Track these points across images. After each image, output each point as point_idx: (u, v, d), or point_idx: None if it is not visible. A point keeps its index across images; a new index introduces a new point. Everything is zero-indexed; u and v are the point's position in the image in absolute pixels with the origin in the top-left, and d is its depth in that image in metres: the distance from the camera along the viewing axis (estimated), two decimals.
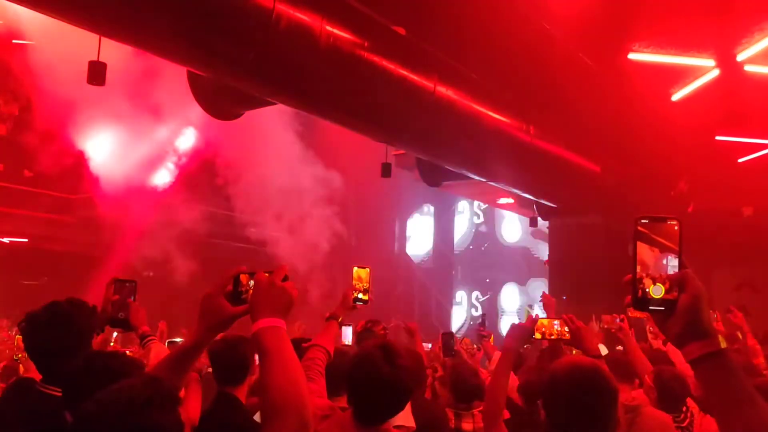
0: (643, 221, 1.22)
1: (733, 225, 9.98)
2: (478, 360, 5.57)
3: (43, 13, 4.03)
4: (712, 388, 1.17)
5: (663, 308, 1.21)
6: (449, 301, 19.45)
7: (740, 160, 8.94)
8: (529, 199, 9.75)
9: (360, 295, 3.01)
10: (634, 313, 3.86)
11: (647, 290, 1.21)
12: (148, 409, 1.34)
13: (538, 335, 2.88)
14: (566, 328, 2.82)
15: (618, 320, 3.84)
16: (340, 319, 2.87)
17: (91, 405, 1.36)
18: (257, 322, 1.49)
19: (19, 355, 4.58)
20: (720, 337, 1.18)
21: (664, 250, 1.22)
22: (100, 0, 3.92)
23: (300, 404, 1.43)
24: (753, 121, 8.05)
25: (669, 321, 1.21)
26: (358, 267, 3.07)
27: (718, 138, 8.51)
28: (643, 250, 1.22)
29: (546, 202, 9.72)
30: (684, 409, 3.61)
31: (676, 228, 1.22)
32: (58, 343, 2.33)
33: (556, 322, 2.89)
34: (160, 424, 1.36)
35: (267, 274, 1.57)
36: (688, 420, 3.60)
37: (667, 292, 1.21)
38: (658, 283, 1.21)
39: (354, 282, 3.04)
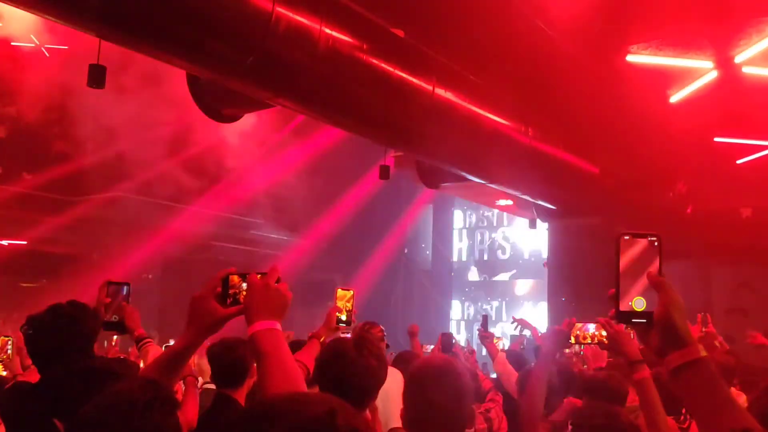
0: (625, 237, 1.28)
1: (732, 226, 9.98)
2: (473, 362, 5.58)
3: (39, 15, 4.03)
4: (692, 395, 1.20)
5: (645, 320, 1.25)
6: (448, 303, 19.45)
7: (739, 162, 8.95)
8: (528, 200, 9.75)
9: (343, 317, 3.00)
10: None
11: (630, 303, 1.26)
12: (149, 412, 1.35)
13: (573, 340, 2.84)
14: (603, 332, 2.74)
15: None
16: (322, 339, 2.88)
17: (90, 409, 1.35)
18: (253, 325, 1.48)
19: (3, 357, 4.50)
20: (700, 346, 1.20)
21: (646, 264, 1.27)
22: (99, 2, 3.91)
23: None
24: (751, 122, 8.05)
25: (650, 333, 1.25)
26: (342, 288, 3.08)
27: (716, 139, 8.52)
28: (626, 265, 1.27)
29: (545, 204, 9.72)
30: (684, 411, 3.60)
31: (656, 244, 1.28)
32: (63, 346, 2.33)
33: (592, 325, 2.83)
34: (161, 426, 1.36)
35: (260, 276, 1.56)
36: (688, 422, 3.59)
37: (648, 304, 1.25)
38: (639, 297, 1.26)
39: (338, 302, 3.03)
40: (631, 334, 2.65)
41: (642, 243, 1.27)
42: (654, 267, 1.26)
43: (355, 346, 2.17)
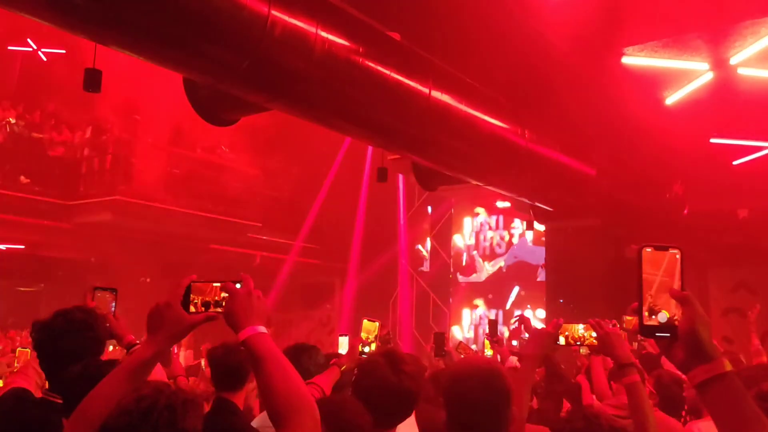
0: (647, 249, 1.28)
1: (729, 227, 10.02)
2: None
3: (34, 19, 4.02)
4: (719, 411, 1.18)
5: (668, 334, 1.25)
6: (447, 304, 19.43)
7: (735, 163, 8.98)
8: (525, 202, 9.76)
9: (367, 348, 3.03)
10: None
11: (653, 317, 1.26)
12: (186, 414, 1.39)
13: (562, 340, 2.74)
14: (593, 334, 2.65)
15: (610, 326, 3.83)
16: (343, 368, 2.93)
17: (124, 413, 1.36)
18: (245, 330, 1.52)
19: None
20: (725, 360, 1.19)
21: (667, 277, 1.26)
22: (94, 6, 3.91)
23: (310, 402, 1.49)
24: (747, 123, 8.08)
25: (673, 347, 1.24)
26: (368, 320, 3.10)
27: (712, 141, 8.55)
28: (648, 278, 1.27)
29: (542, 206, 9.73)
30: (683, 413, 3.62)
31: (677, 256, 1.27)
32: (79, 351, 2.34)
33: (581, 326, 2.74)
34: (196, 428, 1.41)
35: (238, 285, 1.59)
36: (688, 424, 3.61)
37: (671, 318, 1.25)
38: (663, 310, 1.25)
39: (362, 334, 3.06)
40: (623, 336, 2.62)
41: (664, 255, 1.27)
42: (677, 280, 1.26)
43: (389, 365, 2.19)
